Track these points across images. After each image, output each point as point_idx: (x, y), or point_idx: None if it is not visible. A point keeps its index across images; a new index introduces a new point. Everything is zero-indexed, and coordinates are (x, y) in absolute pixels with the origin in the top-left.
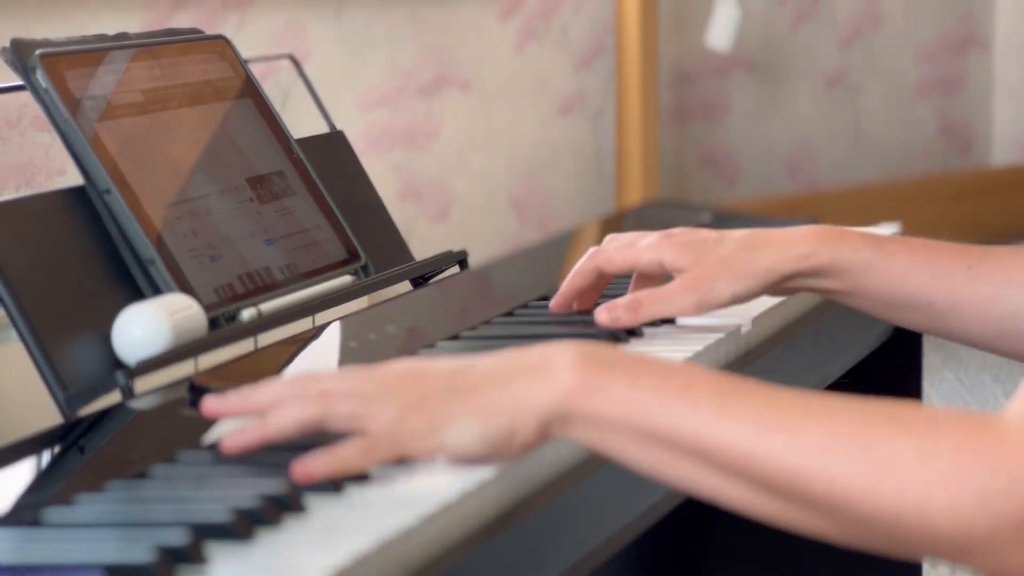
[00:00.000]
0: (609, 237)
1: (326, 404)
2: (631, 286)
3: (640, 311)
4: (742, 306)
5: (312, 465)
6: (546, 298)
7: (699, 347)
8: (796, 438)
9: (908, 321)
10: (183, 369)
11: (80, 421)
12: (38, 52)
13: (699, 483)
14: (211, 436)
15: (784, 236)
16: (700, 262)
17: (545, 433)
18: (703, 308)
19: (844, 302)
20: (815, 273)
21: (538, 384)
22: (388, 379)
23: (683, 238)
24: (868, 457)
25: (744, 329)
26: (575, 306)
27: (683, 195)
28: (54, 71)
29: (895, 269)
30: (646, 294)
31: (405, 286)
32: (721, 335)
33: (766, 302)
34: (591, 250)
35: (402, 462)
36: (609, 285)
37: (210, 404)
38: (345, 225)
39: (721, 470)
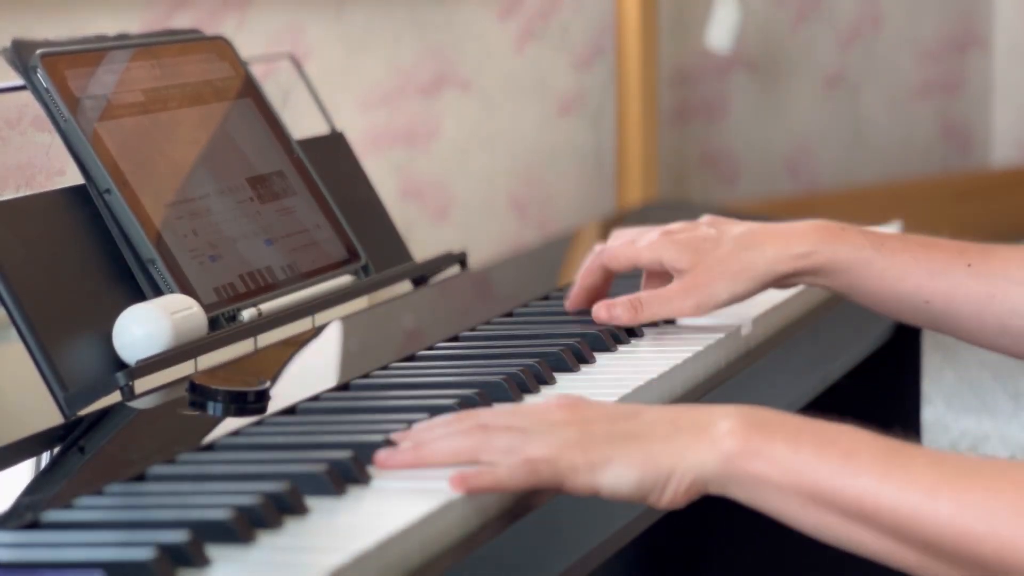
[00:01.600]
0: (615, 233)
1: (484, 436)
2: (643, 283)
3: (640, 311)
4: (742, 306)
5: (471, 479)
6: (546, 298)
7: (699, 347)
8: (962, 500)
9: (907, 318)
10: (183, 369)
11: (80, 421)
12: (38, 52)
13: (865, 545)
14: (211, 436)
15: (783, 233)
16: (699, 262)
17: (697, 492)
18: (702, 310)
19: (843, 297)
20: (814, 271)
21: (700, 444)
22: (549, 417)
23: (682, 236)
24: None
25: (744, 330)
26: (587, 305)
27: (683, 195)
28: (54, 71)
29: (895, 267)
30: (647, 295)
31: (405, 286)
32: (721, 335)
33: (766, 302)
34: (597, 247)
35: (559, 491)
36: (623, 281)
37: (382, 459)
38: (345, 225)
39: (887, 533)
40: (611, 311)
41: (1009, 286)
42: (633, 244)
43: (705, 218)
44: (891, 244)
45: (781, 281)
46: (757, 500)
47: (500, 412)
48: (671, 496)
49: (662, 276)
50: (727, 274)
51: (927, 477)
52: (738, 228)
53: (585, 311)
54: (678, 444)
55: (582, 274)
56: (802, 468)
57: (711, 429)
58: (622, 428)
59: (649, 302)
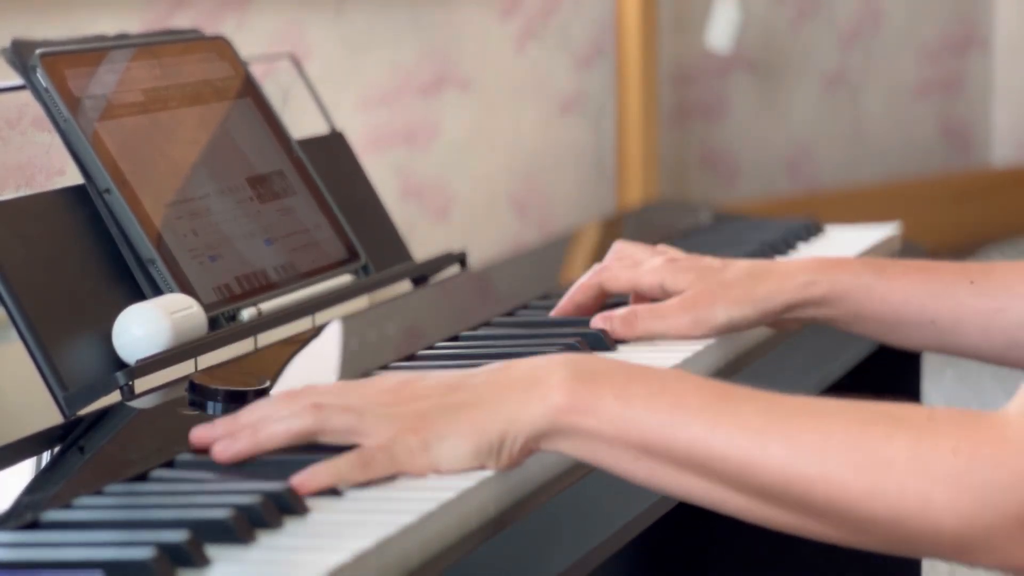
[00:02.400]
0: (615, 251)
1: (320, 416)
2: (631, 300)
3: (635, 325)
4: None
5: (312, 478)
6: (546, 297)
7: (699, 347)
8: (792, 445)
9: (913, 342)
10: (183, 369)
11: (80, 421)
12: (38, 52)
13: (695, 493)
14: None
15: (784, 267)
16: (701, 285)
17: (531, 448)
18: (698, 329)
19: (847, 329)
20: (816, 302)
21: (529, 401)
22: (382, 394)
23: (686, 263)
24: (866, 460)
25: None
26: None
27: (683, 195)
28: (54, 71)
29: (896, 291)
30: (643, 309)
31: (405, 286)
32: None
33: None
34: (596, 266)
35: (395, 478)
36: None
37: (199, 434)
38: (345, 225)
39: (718, 480)
40: (608, 324)
41: (1014, 299)
42: (636, 267)
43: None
44: (891, 269)
45: (783, 312)
46: (588, 455)
47: (332, 389)
48: (507, 458)
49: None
50: (728, 298)
51: (757, 422)
52: (743, 262)
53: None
54: (507, 406)
55: (577, 289)
56: (632, 421)
57: (538, 385)
58: (451, 400)
59: (644, 316)
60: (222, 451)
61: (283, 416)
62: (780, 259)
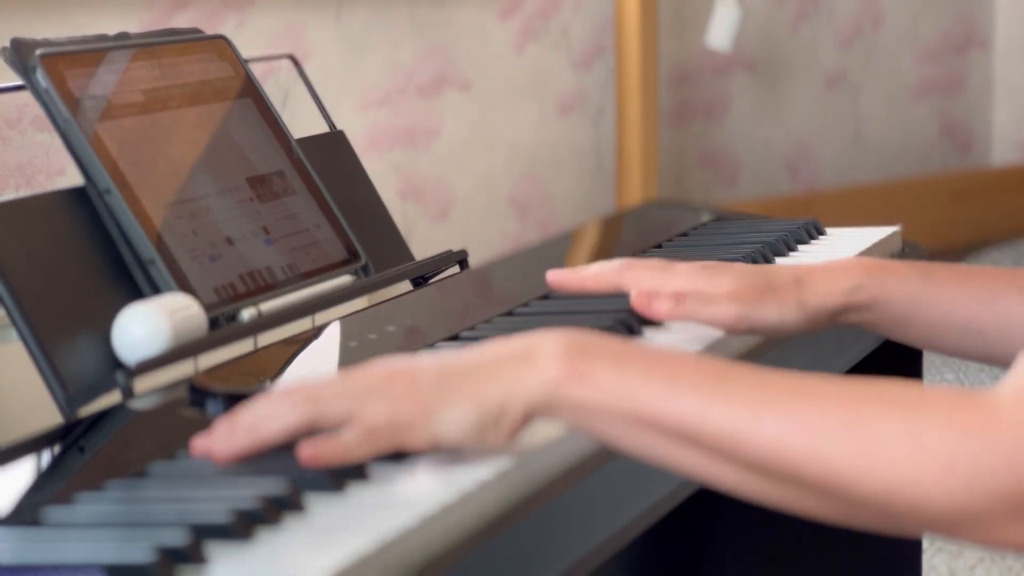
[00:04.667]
0: (635, 263)
1: (316, 406)
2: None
3: (684, 305)
4: None
5: (321, 453)
6: (546, 298)
7: (698, 347)
8: (786, 420)
9: (959, 350)
10: (183, 369)
11: (80, 421)
12: (38, 52)
13: (689, 466)
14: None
15: (827, 270)
16: (745, 284)
17: (530, 419)
18: (743, 323)
19: (891, 335)
20: (863, 307)
21: (525, 373)
22: (376, 377)
23: (718, 267)
24: (858, 436)
25: None
26: (566, 291)
27: (683, 195)
28: (54, 71)
29: (945, 297)
30: (691, 292)
31: (405, 286)
32: (720, 334)
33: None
34: (621, 262)
35: (399, 456)
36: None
37: (199, 446)
38: (345, 225)
39: (711, 453)
40: (652, 302)
41: None
42: (665, 271)
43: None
44: (938, 274)
45: (830, 318)
46: (583, 424)
47: (327, 381)
48: (507, 430)
49: None
50: (778, 299)
51: (752, 397)
52: (781, 266)
53: (579, 311)
54: (505, 377)
55: (592, 277)
56: (627, 391)
57: (535, 357)
58: (449, 374)
59: (693, 299)
60: (222, 450)
61: (280, 411)
62: (780, 260)
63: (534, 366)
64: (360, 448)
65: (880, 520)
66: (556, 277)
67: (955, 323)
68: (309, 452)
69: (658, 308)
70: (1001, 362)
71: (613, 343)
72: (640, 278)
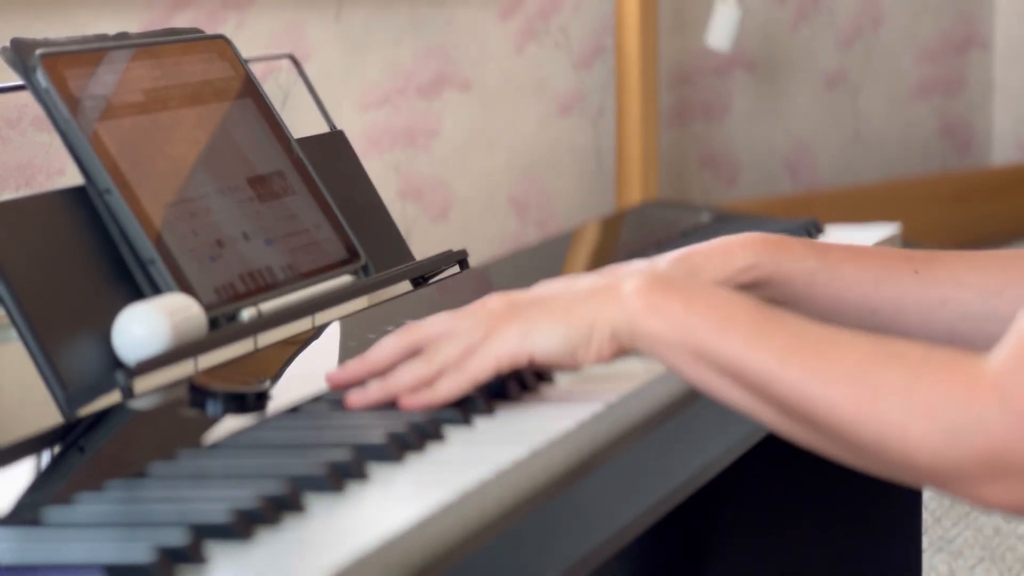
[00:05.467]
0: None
1: (418, 330)
2: None
3: None
4: None
5: (428, 397)
6: None
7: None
8: (806, 367)
9: (854, 326)
10: (183, 369)
11: (80, 421)
12: (38, 52)
13: (736, 400)
14: (211, 436)
15: (721, 249)
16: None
17: (618, 346)
18: None
19: (789, 308)
20: (758, 284)
21: (611, 302)
22: (474, 306)
23: (618, 271)
24: (860, 387)
25: None
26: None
27: (683, 195)
28: (54, 71)
29: (840, 278)
30: None
31: (405, 286)
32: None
33: None
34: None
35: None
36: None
37: (335, 377)
38: (345, 225)
39: (750, 391)
40: None
41: (959, 290)
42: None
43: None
44: (835, 254)
45: None
46: (655, 353)
47: (439, 319)
48: (596, 348)
49: None
50: None
51: (785, 343)
52: (670, 255)
53: None
54: (593, 303)
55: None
56: (689, 326)
57: (620, 288)
58: (545, 297)
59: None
60: (356, 400)
61: (387, 342)
62: None
63: (618, 297)
64: (452, 388)
65: (879, 467)
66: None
67: (850, 303)
68: (429, 399)
69: None
70: None
71: (689, 283)
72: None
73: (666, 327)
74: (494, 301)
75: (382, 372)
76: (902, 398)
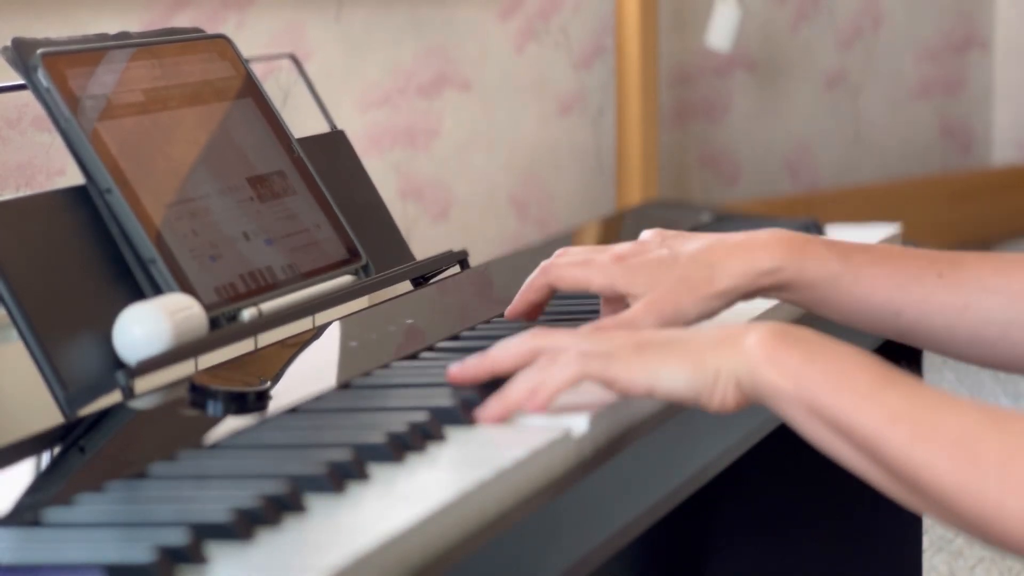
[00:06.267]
0: (560, 251)
1: (544, 339)
2: (601, 309)
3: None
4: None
5: (538, 394)
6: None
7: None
8: (914, 432)
9: (876, 331)
10: (183, 369)
11: (80, 421)
12: (39, 51)
13: (845, 459)
14: (212, 436)
15: (745, 248)
16: (657, 284)
17: (743, 396)
18: (668, 327)
19: (809, 311)
20: (779, 287)
21: (736, 350)
22: (609, 336)
23: (635, 260)
24: (963, 456)
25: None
26: (529, 317)
27: (683, 195)
28: (55, 70)
29: (864, 280)
30: (608, 322)
31: (405, 286)
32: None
33: (764, 303)
34: (543, 264)
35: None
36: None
37: (456, 374)
38: (345, 225)
39: (860, 451)
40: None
41: (983, 295)
42: (585, 266)
43: (651, 235)
44: (858, 257)
45: (745, 299)
46: (774, 406)
47: (567, 336)
48: (720, 397)
49: (618, 301)
50: (691, 292)
51: (897, 405)
52: (693, 244)
53: (577, 311)
54: (721, 350)
55: (527, 288)
56: (806, 381)
57: (744, 340)
58: (672, 338)
59: (615, 323)
60: (458, 374)
61: (512, 344)
62: None
63: (743, 347)
64: (568, 372)
65: (977, 536)
66: (509, 312)
67: (873, 306)
68: (528, 394)
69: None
70: (918, 346)
71: (811, 336)
72: (564, 276)
73: (784, 380)
74: (623, 334)
75: (502, 374)
76: (1001, 472)
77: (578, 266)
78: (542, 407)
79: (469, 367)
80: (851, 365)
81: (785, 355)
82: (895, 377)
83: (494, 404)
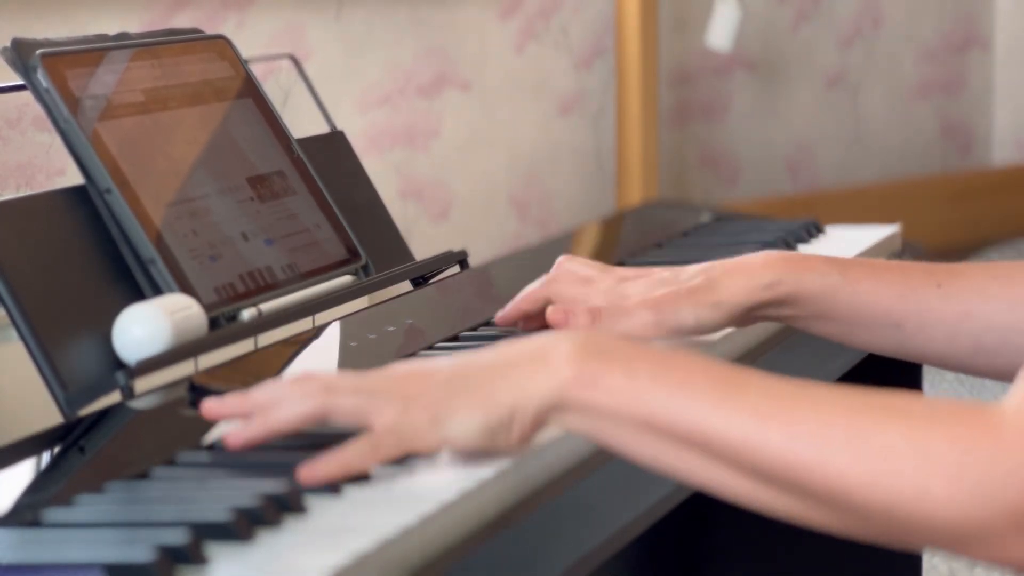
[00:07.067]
0: (563, 263)
1: (329, 398)
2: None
3: (599, 319)
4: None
5: (317, 468)
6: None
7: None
8: (792, 429)
9: (876, 345)
10: (183, 369)
11: (80, 421)
12: (39, 52)
13: (697, 473)
14: (211, 436)
15: (745, 266)
16: (662, 289)
17: (541, 423)
18: (660, 329)
19: (809, 329)
20: (781, 302)
21: (536, 375)
22: (391, 378)
23: (639, 281)
24: (864, 447)
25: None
26: (519, 326)
27: (683, 195)
28: (55, 71)
29: (863, 293)
30: (606, 307)
31: (405, 286)
32: (719, 335)
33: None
34: (545, 278)
35: (405, 460)
36: None
37: (209, 406)
38: (345, 225)
39: (719, 460)
40: (569, 318)
41: (983, 303)
42: (587, 284)
43: (655, 270)
44: (856, 270)
45: (748, 314)
46: (593, 429)
47: (341, 375)
48: (519, 433)
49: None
50: (694, 300)
51: (759, 404)
52: (696, 266)
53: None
54: (515, 378)
55: (523, 298)
56: (636, 395)
57: (547, 358)
58: (461, 376)
59: (608, 312)
60: (234, 439)
61: (294, 398)
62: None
63: (546, 368)
64: (363, 460)
65: (885, 533)
66: (499, 318)
67: (873, 319)
68: (306, 473)
69: (574, 323)
70: (918, 359)
71: (626, 346)
72: (563, 293)
73: (607, 398)
74: (405, 374)
75: (278, 436)
76: (916, 455)
77: (580, 283)
78: (318, 483)
79: (250, 433)
80: (687, 370)
81: (601, 372)
82: (742, 374)
83: (256, 429)
